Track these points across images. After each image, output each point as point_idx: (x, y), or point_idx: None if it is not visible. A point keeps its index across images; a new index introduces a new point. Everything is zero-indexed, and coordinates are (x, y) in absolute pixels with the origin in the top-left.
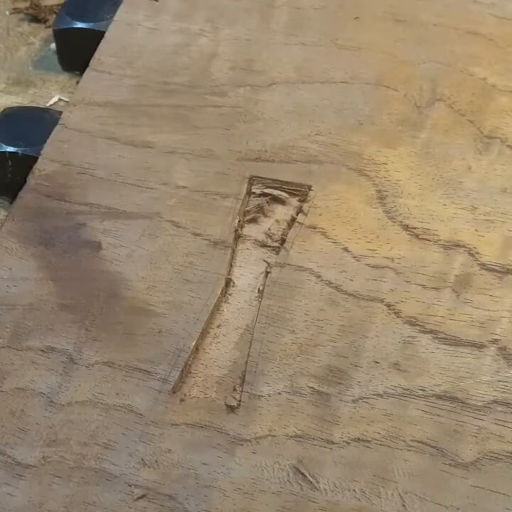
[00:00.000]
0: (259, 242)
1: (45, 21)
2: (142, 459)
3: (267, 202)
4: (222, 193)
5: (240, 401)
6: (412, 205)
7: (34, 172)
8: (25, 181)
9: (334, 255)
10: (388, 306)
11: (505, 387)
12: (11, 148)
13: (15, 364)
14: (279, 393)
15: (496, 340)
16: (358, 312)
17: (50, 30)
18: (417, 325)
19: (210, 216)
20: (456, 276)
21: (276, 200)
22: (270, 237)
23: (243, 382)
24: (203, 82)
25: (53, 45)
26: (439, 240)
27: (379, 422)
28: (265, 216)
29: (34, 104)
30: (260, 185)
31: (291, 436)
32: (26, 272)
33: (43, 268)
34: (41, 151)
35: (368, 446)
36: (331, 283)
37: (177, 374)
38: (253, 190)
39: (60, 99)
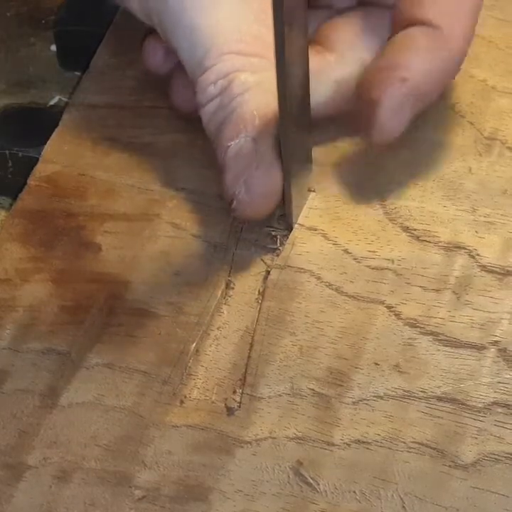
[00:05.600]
0: (258, 243)
1: (45, 22)
2: (142, 461)
3: None
4: (222, 194)
5: (240, 403)
6: (413, 207)
7: (34, 173)
8: (25, 182)
9: (334, 257)
10: (388, 307)
11: (506, 389)
12: (11, 149)
13: (15, 365)
14: (280, 395)
15: (496, 341)
16: (359, 314)
17: (50, 31)
18: (418, 327)
19: (210, 218)
20: (457, 277)
21: None
22: (270, 238)
23: (243, 384)
24: None
25: (53, 46)
26: (440, 242)
27: (379, 424)
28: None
29: (34, 105)
30: None
31: (292, 438)
32: (26, 273)
33: (43, 269)
34: (41, 152)
35: (368, 448)
36: (332, 285)
37: (177, 376)
38: None
39: (60, 100)
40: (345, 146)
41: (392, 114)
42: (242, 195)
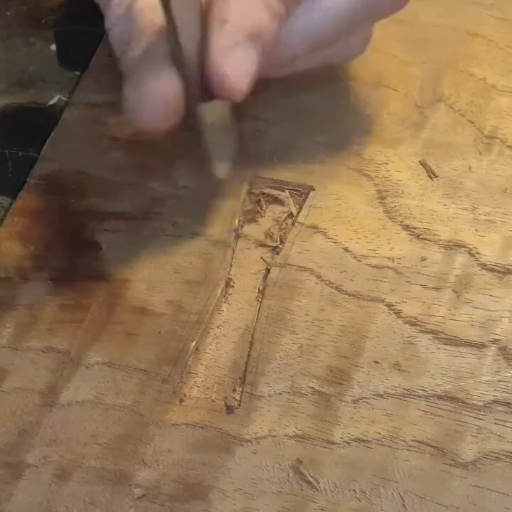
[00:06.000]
0: (259, 242)
1: (45, 22)
2: (142, 459)
3: (267, 201)
4: (222, 192)
5: (240, 401)
6: (413, 205)
7: (34, 172)
8: (25, 181)
9: (334, 255)
10: (389, 306)
11: (506, 387)
12: (11, 149)
13: (15, 364)
14: (280, 393)
15: (496, 340)
16: (359, 312)
17: (50, 31)
18: (418, 325)
19: (210, 216)
20: (457, 276)
21: (276, 200)
22: (270, 237)
23: (243, 382)
24: None
25: (53, 46)
26: (440, 240)
27: (379, 422)
28: (265, 216)
29: (34, 104)
30: (260, 185)
31: (292, 437)
32: (26, 271)
33: (42, 268)
34: (41, 151)
35: (368, 447)
36: (332, 283)
37: (177, 374)
38: (253, 190)
39: (60, 99)
40: (345, 145)
41: (225, 58)
42: (136, 104)
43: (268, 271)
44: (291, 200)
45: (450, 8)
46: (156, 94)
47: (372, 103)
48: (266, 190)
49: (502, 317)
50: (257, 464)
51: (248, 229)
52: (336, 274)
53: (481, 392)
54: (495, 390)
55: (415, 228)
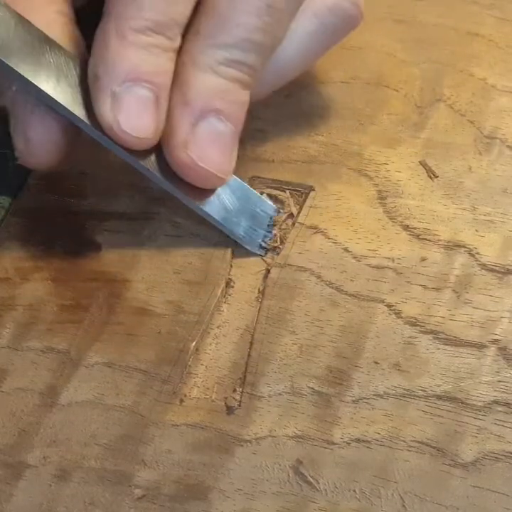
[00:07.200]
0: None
1: None
2: (142, 460)
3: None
4: None
5: (240, 402)
6: (413, 206)
7: (34, 172)
8: (25, 181)
9: (334, 255)
10: (389, 306)
11: (506, 388)
12: (11, 149)
13: (15, 364)
14: (280, 394)
15: (496, 340)
16: (359, 312)
17: None
18: (418, 325)
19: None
20: (457, 276)
21: (277, 200)
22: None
23: (243, 382)
24: None
25: None
26: (440, 240)
27: (379, 423)
28: None
29: None
30: (260, 185)
31: (292, 437)
32: (26, 272)
33: (43, 268)
34: None
35: (368, 447)
36: (332, 283)
37: (177, 374)
38: None
39: None
40: (345, 145)
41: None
42: (20, 143)
43: (268, 271)
44: (291, 200)
45: (450, 8)
46: (41, 138)
47: (372, 103)
48: (266, 191)
49: (502, 317)
50: (257, 464)
51: None
52: (336, 274)
53: (481, 392)
54: (495, 391)
55: (415, 228)
